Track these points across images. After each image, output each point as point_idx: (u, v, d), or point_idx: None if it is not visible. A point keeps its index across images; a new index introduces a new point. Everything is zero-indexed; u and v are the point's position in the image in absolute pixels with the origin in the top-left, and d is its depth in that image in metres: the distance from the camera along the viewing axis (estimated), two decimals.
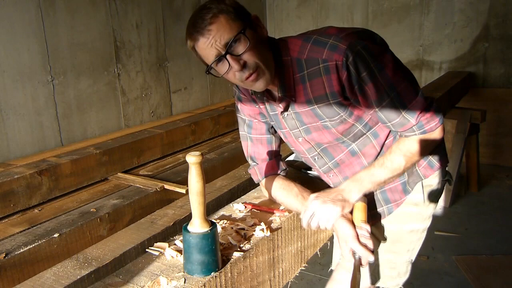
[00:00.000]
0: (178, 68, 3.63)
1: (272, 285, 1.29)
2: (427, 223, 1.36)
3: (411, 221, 1.32)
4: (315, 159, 1.32)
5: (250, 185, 1.79)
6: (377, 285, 1.37)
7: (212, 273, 1.03)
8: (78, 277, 1.05)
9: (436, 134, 1.16)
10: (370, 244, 1.11)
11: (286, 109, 1.20)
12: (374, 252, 1.13)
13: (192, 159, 0.95)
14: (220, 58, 1.04)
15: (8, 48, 2.37)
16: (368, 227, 1.12)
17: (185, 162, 1.07)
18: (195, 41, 1.05)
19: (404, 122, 1.11)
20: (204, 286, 1.01)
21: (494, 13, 3.88)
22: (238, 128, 1.43)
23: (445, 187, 1.39)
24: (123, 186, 2.22)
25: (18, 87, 2.43)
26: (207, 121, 3.16)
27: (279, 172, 1.37)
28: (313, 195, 1.19)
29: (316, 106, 1.15)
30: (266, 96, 1.20)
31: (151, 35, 3.32)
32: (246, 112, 1.34)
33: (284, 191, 1.31)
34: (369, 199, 1.27)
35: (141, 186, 2.19)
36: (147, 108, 3.36)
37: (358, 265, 1.11)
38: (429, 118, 1.12)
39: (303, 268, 1.46)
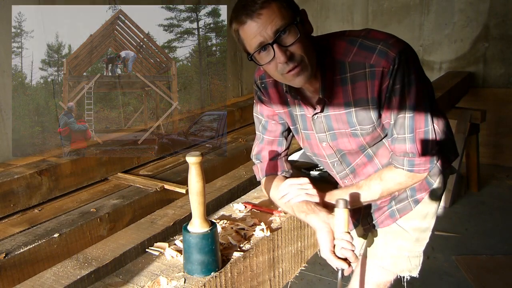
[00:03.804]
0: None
1: (272, 285, 1.29)
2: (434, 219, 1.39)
3: (430, 215, 1.35)
4: (334, 164, 1.32)
5: (250, 185, 1.79)
6: (398, 274, 1.40)
7: (212, 273, 1.03)
8: (78, 277, 1.05)
9: (420, 176, 1.18)
10: (349, 255, 1.08)
11: (322, 110, 1.18)
12: (352, 263, 1.10)
13: (192, 159, 0.96)
14: (265, 47, 1.00)
15: (8, 48, 2.37)
16: (348, 237, 1.09)
17: (185, 162, 1.07)
18: (241, 24, 0.99)
19: (403, 142, 1.13)
20: (204, 286, 1.01)
21: (494, 13, 3.88)
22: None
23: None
24: (123, 186, 2.22)
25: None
26: None
27: (279, 173, 1.37)
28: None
29: (354, 109, 1.14)
30: (299, 95, 1.18)
31: None
32: (264, 112, 1.34)
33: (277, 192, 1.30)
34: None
35: (141, 186, 2.19)
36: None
37: (341, 277, 1.10)
38: (422, 161, 1.13)
39: (303, 268, 1.46)
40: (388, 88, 1.07)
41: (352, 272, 1.51)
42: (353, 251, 1.08)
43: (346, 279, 1.26)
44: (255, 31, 0.99)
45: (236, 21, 1.01)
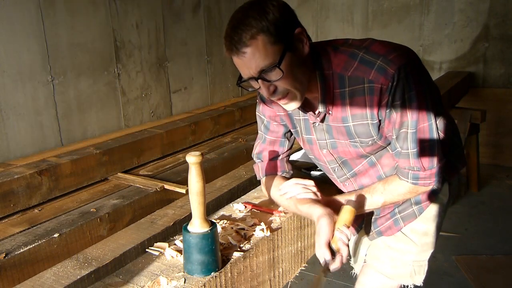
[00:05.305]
0: (178, 68, 3.63)
1: (272, 285, 1.29)
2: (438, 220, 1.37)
3: (435, 223, 1.33)
4: (334, 170, 1.32)
5: (250, 185, 1.79)
6: (401, 282, 1.38)
7: (212, 273, 1.03)
8: (78, 277, 1.05)
9: (425, 189, 1.18)
10: (344, 250, 1.07)
11: (322, 120, 1.19)
12: (344, 257, 1.08)
13: (192, 159, 0.96)
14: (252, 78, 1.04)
15: (8, 48, 2.37)
16: (348, 233, 1.08)
17: (185, 162, 1.07)
18: (229, 54, 1.03)
19: (407, 157, 1.12)
20: (204, 286, 1.01)
21: (494, 13, 3.88)
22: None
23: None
24: (123, 186, 2.22)
25: (18, 87, 2.43)
26: (207, 121, 3.15)
27: (279, 172, 1.37)
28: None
29: (351, 124, 1.14)
30: (302, 104, 1.16)
31: (151, 35, 3.32)
32: (266, 113, 1.34)
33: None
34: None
35: (141, 186, 2.19)
36: (147, 108, 3.36)
37: (324, 268, 1.07)
38: (427, 175, 1.13)
39: (303, 268, 1.46)
40: (388, 105, 1.07)
41: (354, 277, 1.51)
42: (347, 246, 1.08)
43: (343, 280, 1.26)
44: (241, 65, 1.02)
45: (225, 48, 1.03)
